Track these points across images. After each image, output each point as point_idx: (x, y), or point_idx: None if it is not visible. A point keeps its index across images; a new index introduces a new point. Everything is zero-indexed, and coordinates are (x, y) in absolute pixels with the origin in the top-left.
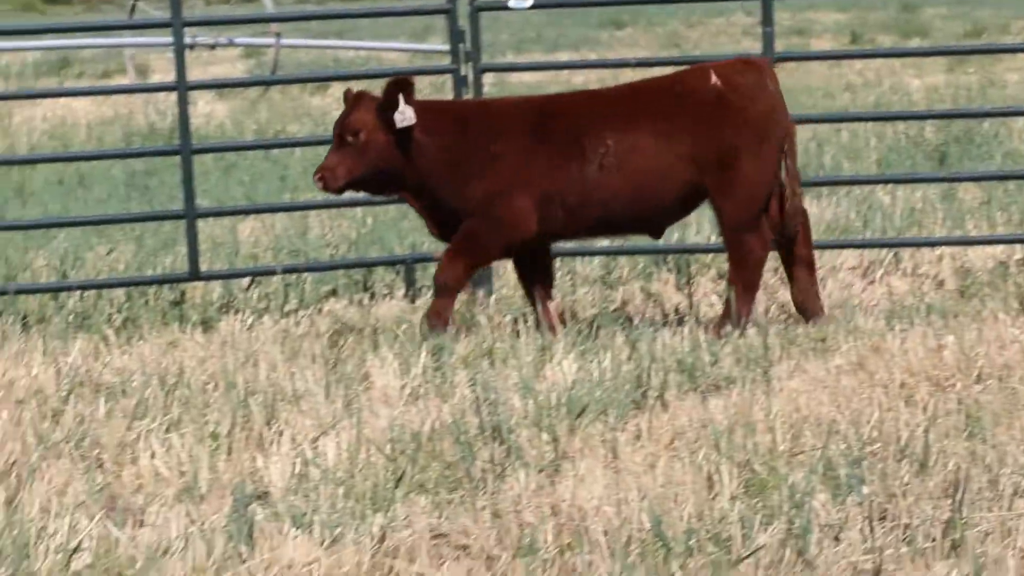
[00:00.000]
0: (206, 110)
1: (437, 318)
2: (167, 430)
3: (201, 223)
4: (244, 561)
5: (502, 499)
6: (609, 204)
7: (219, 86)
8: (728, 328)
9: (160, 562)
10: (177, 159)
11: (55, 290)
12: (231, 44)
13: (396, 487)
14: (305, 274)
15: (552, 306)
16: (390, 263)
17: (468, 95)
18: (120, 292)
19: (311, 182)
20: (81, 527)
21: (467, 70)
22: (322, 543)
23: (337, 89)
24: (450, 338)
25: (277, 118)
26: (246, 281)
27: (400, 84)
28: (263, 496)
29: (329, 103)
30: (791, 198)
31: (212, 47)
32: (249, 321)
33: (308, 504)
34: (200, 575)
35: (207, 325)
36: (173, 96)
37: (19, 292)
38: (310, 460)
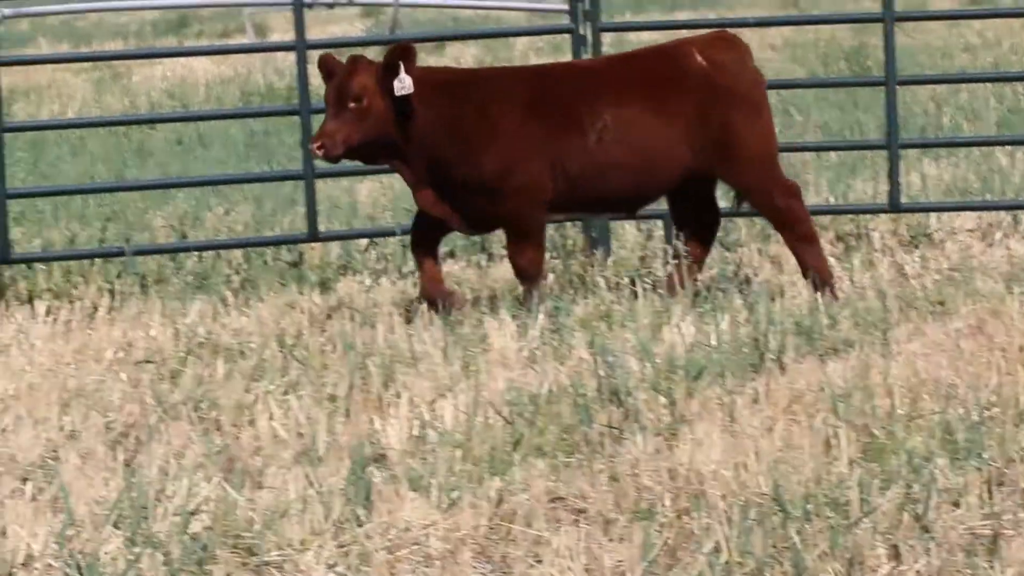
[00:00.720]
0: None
1: (530, 300)
2: (285, 392)
3: (320, 184)
4: (361, 524)
5: (619, 462)
6: (606, 179)
7: (338, 45)
8: (822, 288)
9: (278, 524)
10: (295, 119)
11: (174, 251)
12: (350, 3)
13: (513, 450)
14: None
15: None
16: None
17: (587, 55)
18: (238, 253)
19: None
20: (199, 489)
21: (585, 29)
22: (439, 506)
23: (455, 48)
24: (564, 302)
25: None
26: (364, 242)
27: (402, 50)
28: (381, 458)
29: (448, 62)
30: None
31: (331, 6)
32: (367, 282)
33: (425, 467)
34: (318, 537)
35: (325, 286)
36: (292, 55)
37: (138, 253)
38: (428, 422)
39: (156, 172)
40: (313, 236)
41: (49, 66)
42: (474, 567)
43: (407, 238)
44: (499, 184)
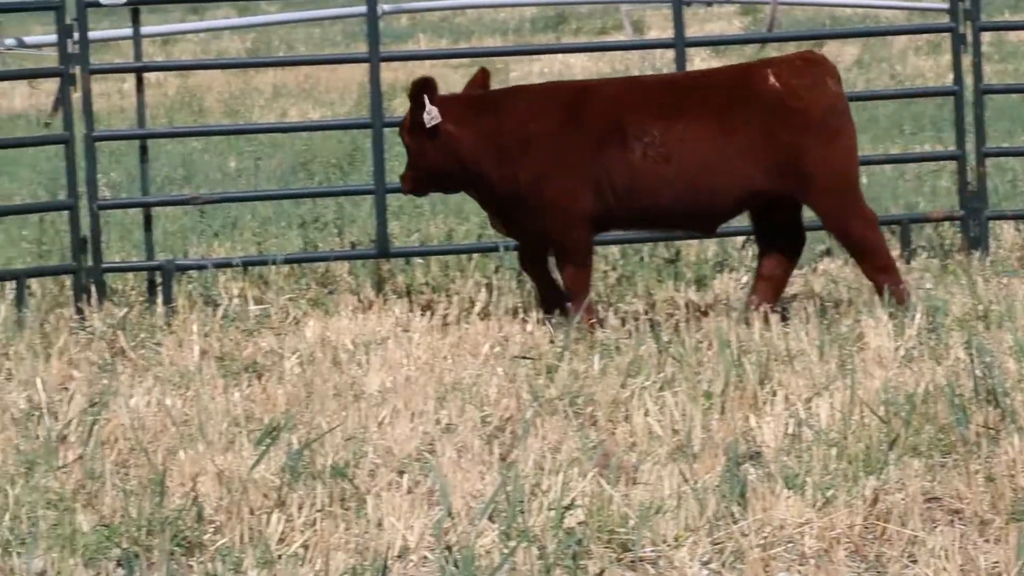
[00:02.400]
0: (702, 67)
1: (585, 321)
2: (661, 388)
3: None
4: (736, 521)
5: (996, 463)
6: (655, 196)
7: (716, 43)
8: (898, 307)
9: (652, 520)
10: None
11: None
12: (728, 1)
13: (889, 449)
14: None
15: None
16: (886, 223)
17: (967, 55)
18: (615, 249)
19: None
20: (574, 484)
21: (966, 28)
22: (814, 504)
23: (834, 47)
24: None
25: None
26: (740, 239)
27: (422, 85)
28: (756, 456)
29: None
30: None
31: (709, 3)
32: (743, 280)
33: (800, 465)
34: (692, 534)
35: (701, 283)
36: (669, 53)
37: (514, 249)
38: (803, 420)
39: None
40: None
41: (428, 62)
42: (848, 566)
43: None
44: (533, 200)
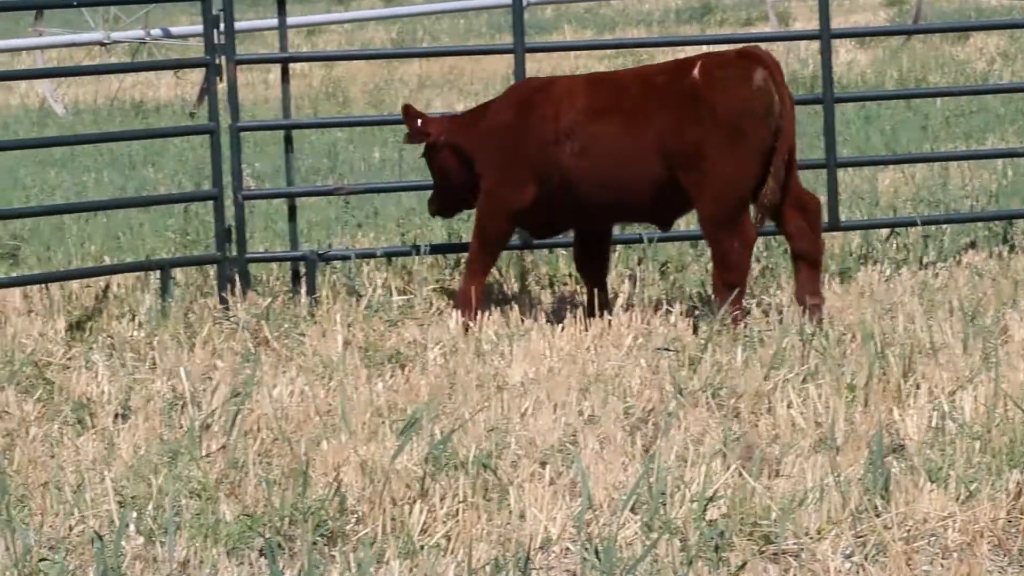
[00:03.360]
0: (847, 58)
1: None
2: (804, 380)
3: (841, 173)
4: (879, 514)
5: None
6: (586, 192)
7: (862, 34)
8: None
9: (795, 513)
10: (818, 108)
11: (693, 238)
12: None
13: None
14: (944, 226)
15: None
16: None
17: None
18: (759, 241)
19: (952, 132)
20: (717, 476)
21: None
22: (957, 498)
23: (979, 39)
24: None
25: (918, 67)
26: (885, 232)
27: (408, 111)
28: (899, 449)
29: (970, 53)
30: (767, 196)
31: None
32: (887, 272)
33: (944, 458)
34: (835, 526)
35: (845, 275)
36: (814, 44)
37: (659, 240)
38: (947, 413)
39: None
40: (834, 225)
41: (572, 53)
42: (991, 560)
43: (927, 228)
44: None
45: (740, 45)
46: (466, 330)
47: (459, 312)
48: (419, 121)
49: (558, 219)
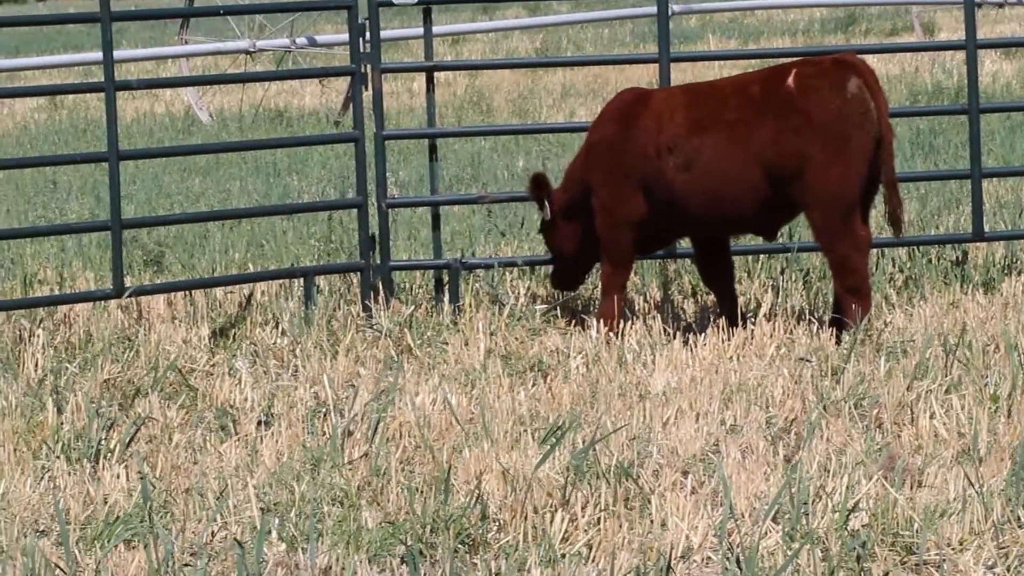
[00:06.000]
0: (992, 69)
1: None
2: (947, 391)
3: (986, 183)
4: (1022, 525)
5: None
6: (689, 205)
7: (1008, 45)
8: (841, 330)
9: (937, 523)
10: (963, 118)
11: None
12: (1020, 3)
13: None
14: None
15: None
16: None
17: None
18: (903, 251)
19: None
20: (859, 486)
21: None
22: None
23: None
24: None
25: None
26: None
27: (536, 182)
28: None
29: None
30: (892, 205)
31: (1001, 5)
32: None
33: None
34: (977, 538)
35: (989, 286)
36: (960, 54)
37: (801, 250)
38: None
39: None
40: (979, 235)
41: (717, 63)
42: None
43: None
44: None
45: (839, 53)
46: (608, 342)
47: (602, 326)
48: (545, 201)
49: (663, 232)
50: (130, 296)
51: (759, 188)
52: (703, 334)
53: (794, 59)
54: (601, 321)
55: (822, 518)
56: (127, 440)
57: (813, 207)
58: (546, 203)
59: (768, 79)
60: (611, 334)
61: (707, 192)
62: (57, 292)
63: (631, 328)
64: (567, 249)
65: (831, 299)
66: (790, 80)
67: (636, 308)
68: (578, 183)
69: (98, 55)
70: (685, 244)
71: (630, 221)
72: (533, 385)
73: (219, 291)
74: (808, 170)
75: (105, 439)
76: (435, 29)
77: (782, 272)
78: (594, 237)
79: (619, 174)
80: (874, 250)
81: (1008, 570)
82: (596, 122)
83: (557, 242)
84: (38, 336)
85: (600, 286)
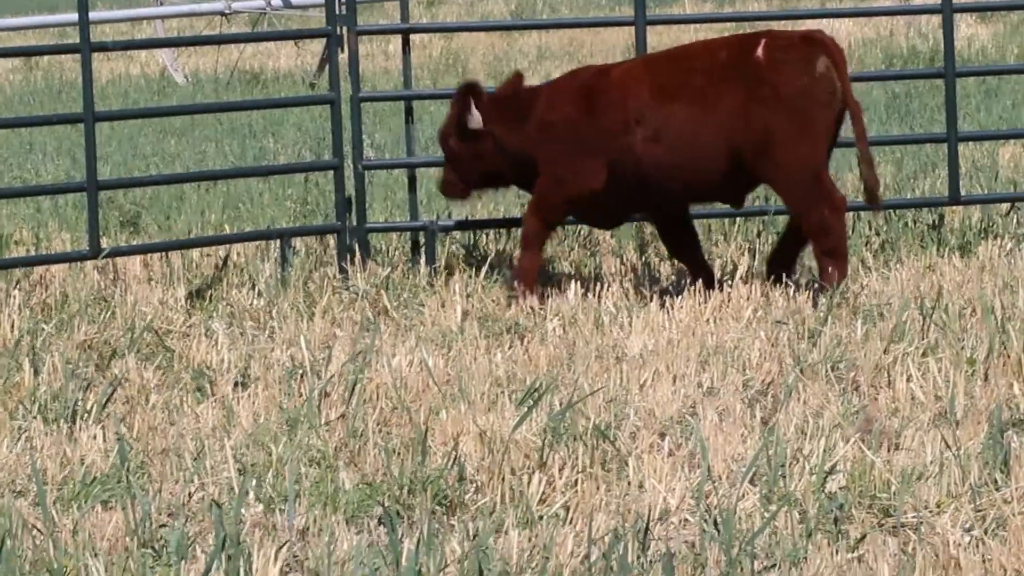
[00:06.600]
0: (968, 32)
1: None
2: (923, 354)
3: (962, 147)
4: (999, 488)
5: None
6: (656, 172)
7: (984, 9)
8: (820, 292)
9: (914, 486)
10: (939, 82)
11: None
12: None
13: None
14: None
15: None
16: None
17: None
18: (879, 215)
19: None
20: (836, 449)
21: None
22: None
23: None
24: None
25: None
26: (1005, 206)
27: (468, 89)
28: (1019, 423)
29: None
30: (868, 181)
31: None
32: (1008, 246)
33: None
34: (954, 500)
35: (965, 250)
36: (935, 18)
37: (777, 213)
38: None
39: None
40: (955, 199)
41: (692, 26)
42: None
43: None
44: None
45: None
46: (520, 304)
47: (520, 287)
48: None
49: (626, 205)
50: (106, 257)
51: (726, 156)
52: (679, 297)
53: (760, 32)
54: (520, 280)
55: (799, 480)
56: (104, 401)
57: (780, 180)
58: (476, 111)
59: (736, 46)
60: (529, 296)
61: (675, 162)
62: (33, 253)
63: (607, 291)
64: (476, 165)
65: (808, 262)
66: (759, 51)
67: (613, 270)
68: (519, 134)
69: (73, 16)
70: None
71: (582, 194)
72: (510, 347)
73: (195, 253)
74: (774, 143)
75: (82, 400)
76: None
77: (759, 235)
78: (504, 171)
79: (581, 152)
80: (850, 214)
81: (985, 532)
82: (551, 100)
83: (470, 152)
84: (14, 297)
85: (522, 240)
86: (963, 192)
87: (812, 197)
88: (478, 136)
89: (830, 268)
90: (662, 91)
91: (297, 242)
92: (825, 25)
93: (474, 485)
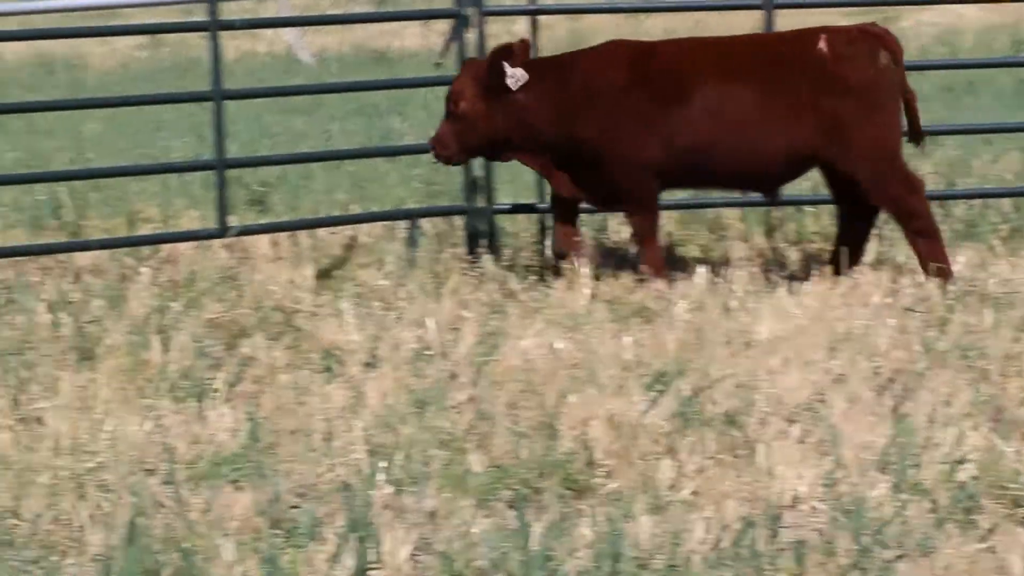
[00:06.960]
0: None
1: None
2: None
3: None
4: None
5: None
6: (711, 155)
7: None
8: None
9: None
10: None
11: (942, 198)
12: None
13: None
14: None
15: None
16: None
17: None
18: (1007, 202)
19: None
20: (966, 438)
21: None
22: None
23: None
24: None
25: None
26: None
27: (502, 52)
28: None
29: None
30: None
31: None
32: None
33: None
34: None
35: None
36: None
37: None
38: None
39: (928, 118)
40: None
41: (819, 10)
42: None
43: None
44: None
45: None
46: (662, 295)
47: (656, 278)
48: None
49: (667, 183)
50: (234, 236)
51: (786, 145)
52: (808, 282)
53: (812, 27)
54: (648, 266)
55: (930, 470)
56: (233, 380)
57: (859, 168)
58: (519, 70)
59: (795, 40)
60: (663, 281)
61: (733, 145)
62: (161, 231)
63: (735, 275)
64: (485, 129)
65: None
66: (822, 45)
67: (740, 255)
68: (549, 101)
69: None
70: (790, 190)
71: (649, 164)
72: (638, 331)
73: (323, 232)
74: (850, 134)
75: (210, 379)
76: None
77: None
78: (512, 138)
79: (637, 122)
80: (977, 200)
81: None
82: (596, 69)
83: (484, 115)
84: (142, 274)
85: (636, 235)
86: None
87: (889, 180)
88: (500, 100)
89: (925, 249)
90: (725, 72)
91: (425, 223)
92: (951, 10)
93: (603, 470)
